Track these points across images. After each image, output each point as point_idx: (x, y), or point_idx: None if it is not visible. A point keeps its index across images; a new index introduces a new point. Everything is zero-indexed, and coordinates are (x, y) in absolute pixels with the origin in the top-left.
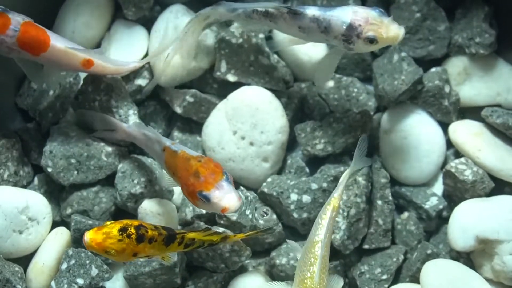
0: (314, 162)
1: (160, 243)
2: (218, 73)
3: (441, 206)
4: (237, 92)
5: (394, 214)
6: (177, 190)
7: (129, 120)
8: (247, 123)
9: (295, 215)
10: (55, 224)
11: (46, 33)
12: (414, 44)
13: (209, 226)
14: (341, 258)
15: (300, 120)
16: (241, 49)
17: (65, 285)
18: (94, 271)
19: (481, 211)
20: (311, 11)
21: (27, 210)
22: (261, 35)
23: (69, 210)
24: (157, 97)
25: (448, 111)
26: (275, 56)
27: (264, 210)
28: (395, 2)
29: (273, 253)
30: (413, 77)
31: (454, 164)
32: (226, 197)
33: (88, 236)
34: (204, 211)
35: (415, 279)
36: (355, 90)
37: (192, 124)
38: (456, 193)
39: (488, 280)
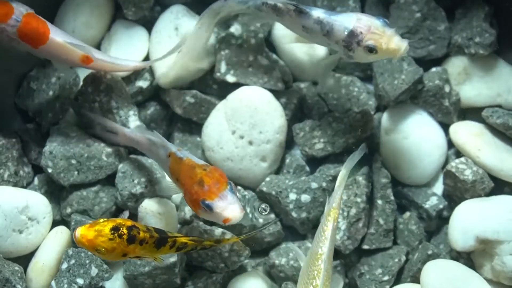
0: (314, 161)
1: (151, 246)
2: (218, 74)
3: (441, 206)
4: (236, 92)
5: (395, 214)
6: None
7: (129, 121)
8: (246, 123)
9: (294, 214)
10: (55, 224)
11: (46, 26)
12: (414, 44)
13: (201, 238)
14: (341, 258)
15: (299, 120)
16: (241, 50)
17: (65, 285)
18: (94, 271)
19: (481, 211)
20: (317, 12)
21: (27, 210)
22: (261, 35)
23: (69, 210)
24: (157, 98)
25: (449, 111)
26: (275, 57)
27: (263, 206)
28: (395, 2)
29: (272, 253)
30: (413, 77)
31: (455, 164)
32: (229, 208)
33: (79, 232)
34: None
35: (416, 280)
36: (356, 89)
37: (192, 125)
38: (456, 193)
39: (488, 280)
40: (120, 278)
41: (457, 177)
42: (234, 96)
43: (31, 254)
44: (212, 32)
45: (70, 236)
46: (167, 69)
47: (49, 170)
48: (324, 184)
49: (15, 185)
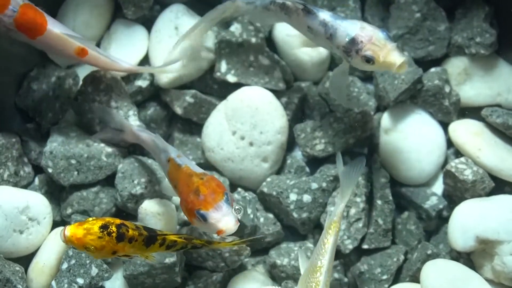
0: (315, 162)
1: (140, 243)
2: (218, 74)
3: (441, 206)
4: (237, 92)
5: (394, 214)
6: None
7: (129, 120)
8: (246, 123)
9: (294, 214)
10: (55, 224)
11: (44, 17)
12: (414, 45)
13: (191, 236)
14: (341, 258)
15: (300, 120)
16: (241, 49)
17: (66, 285)
18: (94, 271)
19: (481, 211)
20: (323, 15)
21: (28, 210)
22: (262, 35)
23: (69, 210)
24: (157, 98)
25: (449, 111)
26: (276, 56)
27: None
28: (395, 2)
29: (272, 252)
30: (413, 77)
31: (454, 164)
32: (223, 220)
33: (68, 231)
34: None
35: (415, 279)
36: (356, 89)
37: (192, 125)
38: (456, 193)
39: (488, 280)
40: (120, 277)
41: (456, 177)
42: (234, 96)
43: (32, 255)
44: (207, 31)
45: None
46: (167, 68)
47: (50, 170)
48: (324, 185)
49: (15, 185)
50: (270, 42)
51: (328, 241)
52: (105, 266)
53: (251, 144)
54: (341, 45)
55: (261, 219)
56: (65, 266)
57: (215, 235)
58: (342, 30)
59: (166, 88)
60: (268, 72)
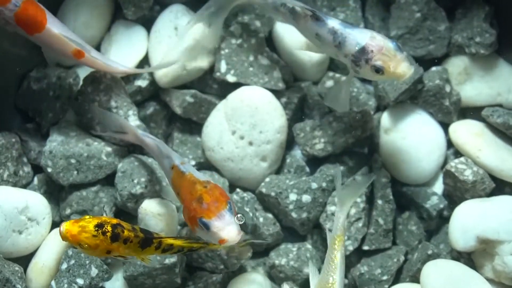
0: (315, 162)
1: (136, 245)
2: (218, 74)
3: (441, 205)
4: (236, 92)
5: (395, 214)
6: None
7: (128, 120)
8: (246, 123)
9: (294, 215)
10: (54, 224)
11: (44, 15)
12: (414, 44)
13: (188, 240)
14: None
15: (299, 120)
16: (241, 49)
17: (65, 285)
18: (94, 271)
19: (481, 211)
20: (332, 22)
21: (27, 210)
22: (261, 35)
23: (68, 211)
24: (157, 98)
25: (449, 111)
26: (275, 56)
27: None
28: (396, 2)
29: (272, 254)
30: (413, 76)
31: (454, 164)
32: (226, 229)
33: (64, 227)
34: None
35: (416, 279)
36: (355, 89)
37: (192, 125)
38: (456, 193)
39: (489, 280)
40: (120, 278)
41: (456, 177)
42: (234, 96)
43: (31, 255)
44: (223, 19)
45: None
46: (167, 68)
47: (49, 170)
48: (324, 185)
49: (15, 185)
50: (269, 42)
51: (336, 257)
52: (105, 266)
53: (250, 143)
54: (350, 53)
55: (261, 219)
56: (64, 266)
57: None
58: (352, 39)
59: (165, 87)
60: (268, 72)
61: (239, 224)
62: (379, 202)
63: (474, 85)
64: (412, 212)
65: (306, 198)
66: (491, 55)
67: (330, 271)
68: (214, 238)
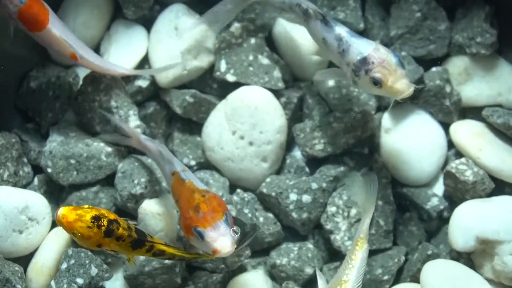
0: (315, 162)
1: (127, 244)
2: (218, 73)
3: (441, 207)
4: (236, 92)
5: (395, 215)
6: None
7: (129, 120)
8: (246, 123)
9: (294, 215)
10: (54, 224)
11: (47, 15)
12: (414, 44)
13: (180, 250)
14: (342, 259)
15: (299, 120)
16: (241, 49)
17: (65, 285)
18: (94, 271)
19: (481, 211)
20: (340, 29)
21: (27, 210)
22: (261, 35)
23: None
24: (157, 98)
25: (450, 111)
26: (275, 56)
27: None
28: (396, 1)
29: (273, 253)
30: (414, 77)
31: (455, 165)
32: (219, 239)
33: (61, 212)
34: None
35: (416, 280)
36: (356, 89)
37: (192, 125)
38: (457, 193)
39: (488, 280)
40: (120, 278)
41: (457, 178)
42: (234, 96)
43: (31, 255)
44: (235, 15)
45: (69, 237)
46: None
47: (49, 170)
48: (324, 185)
49: (15, 185)
50: (269, 42)
51: (356, 257)
52: (105, 266)
53: (250, 143)
54: (351, 62)
55: (261, 219)
56: (64, 266)
57: None
58: (355, 48)
59: (165, 88)
60: (268, 72)
61: (236, 235)
62: (380, 203)
63: (474, 85)
64: (412, 213)
65: (306, 198)
66: (491, 55)
67: (346, 270)
68: (207, 248)
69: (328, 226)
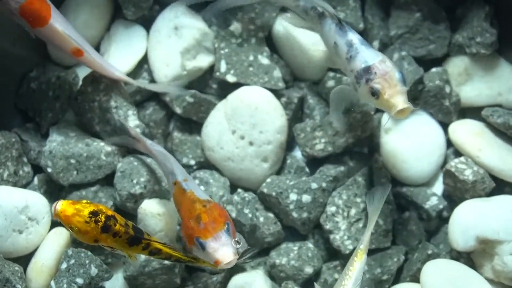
0: (315, 162)
1: (124, 241)
2: (218, 74)
3: (441, 206)
4: (236, 92)
5: (394, 214)
6: None
7: (128, 120)
8: (246, 123)
9: (294, 215)
10: (54, 224)
11: (49, 11)
12: (414, 44)
13: (177, 251)
14: (341, 259)
15: (299, 120)
16: (241, 49)
17: (65, 285)
18: (94, 271)
19: (481, 211)
20: (353, 35)
21: (27, 210)
22: (261, 34)
23: None
24: (156, 98)
25: (449, 111)
26: (275, 56)
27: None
28: (395, 1)
29: (273, 253)
30: (414, 77)
31: (454, 164)
32: (221, 250)
33: (59, 205)
34: None
35: (415, 279)
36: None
37: (192, 124)
38: (456, 193)
39: (488, 280)
40: (120, 278)
41: (456, 177)
42: (234, 96)
43: (31, 254)
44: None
45: (69, 237)
46: (167, 68)
47: (49, 170)
48: (324, 185)
49: (15, 185)
50: (269, 42)
51: (353, 267)
52: (105, 266)
53: (250, 143)
54: (355, 69)
55: (261, 219)
56: (64, 266)
57: None
58: (362, 56)
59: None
60: (268, 72)
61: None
62: None
63: (474, 85)
64: (412, 213)
65: (306, 198)
66: (491, 55)
67: (344, 280)
68: (209, 258)
69: (328, 226)
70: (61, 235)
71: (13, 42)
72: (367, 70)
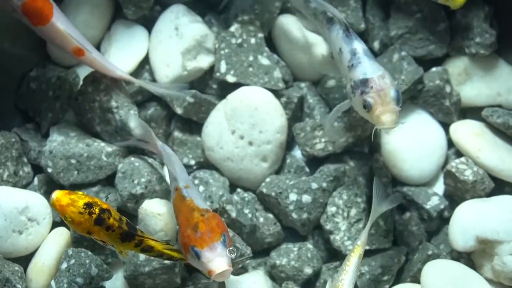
0: (315, 162)
1: (116, 236)
2: (218, 74)
3: (442, 206)
4: (236, 92)
5: (395, 215)
6: None
7: (129, 121)
8: (246, 123)
9: (294, 215)
10: (55, 225)
11: (51, 10)
12: (414, 44)
13: (171, 249)
14: (341, 259)
15: (299, 120)
16: (241, 49)
17: (65, 285)
18: (94, 271)
19: (481, 211)
20: (358, 44)
21: (27, 211)
22: (261, 35)
23: None
24: (157, 98)
25: (450, 111)
26: (275, 56)
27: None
28: (396, 2)
29: (273, 253)
30: (413, 77)
31: (455, 164)
32: (215, 260)
33: (56, 195)
34: None
35: (416, 280)
36: None
37: (192, 125)
38: (457, 193)
39: (488, 280)
40: (120, 278)
41: (457, 177)
42: (234, 96)
43: (31, 255)
44: None
45: (70, 237)
46: (167, 69)
47: (49, 170)
48: (324, 185)
49: (15, 185)
50: (269, 42)
51: (350, 262)
52: (105, 266)
53: (250, 143)
54: (353, 79)
55: (261, 219)
56: (64, 266)
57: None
58: (363, 67)
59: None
60: (268, 72)
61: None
62: None
63: (474, 86)
64: (413, 213)
65: (306, 198)
66: (491, 55)
67: (340, 275)
68: (203, 268)
69: (328, 226)
70: (62, 235)
71: (13, 42)
72: (365, 82)
